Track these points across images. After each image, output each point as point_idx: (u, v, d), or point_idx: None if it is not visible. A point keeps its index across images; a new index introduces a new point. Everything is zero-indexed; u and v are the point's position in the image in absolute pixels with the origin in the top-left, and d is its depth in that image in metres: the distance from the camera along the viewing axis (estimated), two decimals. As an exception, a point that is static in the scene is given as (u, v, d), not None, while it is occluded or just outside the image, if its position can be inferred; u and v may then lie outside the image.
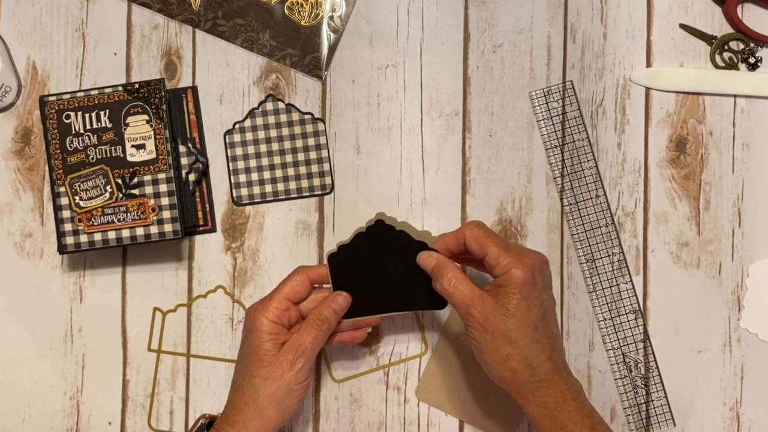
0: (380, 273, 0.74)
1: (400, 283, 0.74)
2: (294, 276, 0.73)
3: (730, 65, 0.82)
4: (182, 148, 0.79)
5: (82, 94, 0.77)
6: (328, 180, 0.81)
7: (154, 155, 0.77)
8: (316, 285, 0.75)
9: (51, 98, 0.77)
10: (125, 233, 0.76)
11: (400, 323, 0.81)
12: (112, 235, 0.76)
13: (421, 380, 0.80)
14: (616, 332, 0.80)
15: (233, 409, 0.71)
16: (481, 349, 0.68)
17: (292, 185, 0.81)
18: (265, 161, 0.81)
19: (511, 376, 0.68)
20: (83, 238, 0.76)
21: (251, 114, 0.81)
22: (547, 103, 0.82)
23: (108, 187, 0.77)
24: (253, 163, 0.81)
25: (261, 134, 0.81)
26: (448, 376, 0.80)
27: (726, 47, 0.82)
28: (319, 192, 0.81)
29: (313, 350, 0.72)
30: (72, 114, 0.77)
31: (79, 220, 0.76)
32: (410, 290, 0.74)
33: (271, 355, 0.71)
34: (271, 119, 0.81)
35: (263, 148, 0.81)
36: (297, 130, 0.81)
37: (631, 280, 0.80)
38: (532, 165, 0.81)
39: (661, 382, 0.80)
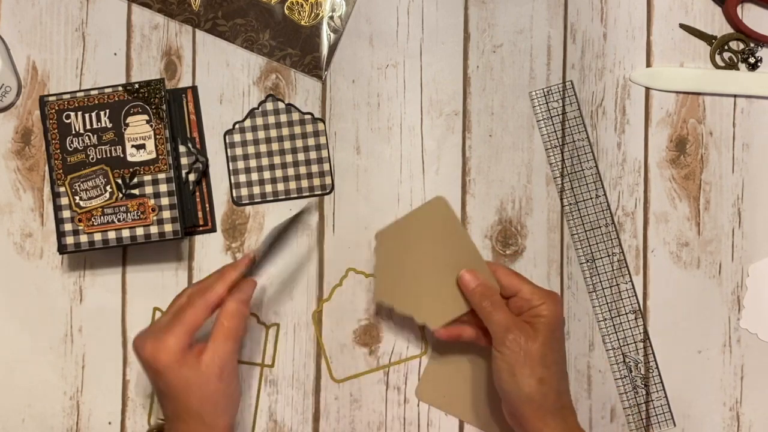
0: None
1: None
2: (196, 304, 0.70)
3: (730, 65, 0.82)
4: (182, 148, 0.79)
5: (82, 94, 0.77)
6: (328, 180, 0.81)
7: (154, 155, 0.77)
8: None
9: (51, 98, 0.77)
10: (125, 233, 0.76)
11: (400, 323, 0.81)
12: (112, 235, 0.76)
13: (421, 380, 0.80)
14: (616, 332, 0.80)
15: None
16: (514, 372, 0.70)
17: (292, 185, 0.81)
18: (265, 161, 0.81)
19: (540, 400, 0.70)
20: (83, 238, 0.76)
21: (251, 114, 0.81)
22: (547, 103, 0.82)
23: (108, 187, 0.77)
24: (253, 163, 0.81)
25: (261, 134, 0.81)
26: (448, 376, 0.80)
27: (726, 47, 0.82)
28: (319, 192, 0.81)
29: (235, 352, 0.70)
30: (72, 114, 0.77)
31: (79, 220, 0.76)
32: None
33: (196, 378, 0.68)
34: (271, 119, 0.81)
35: (263, 148, 0.81)
36: (297, 130, 0.81)
37: (631, 280, 0.80)
38: (532, 165, 0.81)
39: (661, 382, 0.80)
